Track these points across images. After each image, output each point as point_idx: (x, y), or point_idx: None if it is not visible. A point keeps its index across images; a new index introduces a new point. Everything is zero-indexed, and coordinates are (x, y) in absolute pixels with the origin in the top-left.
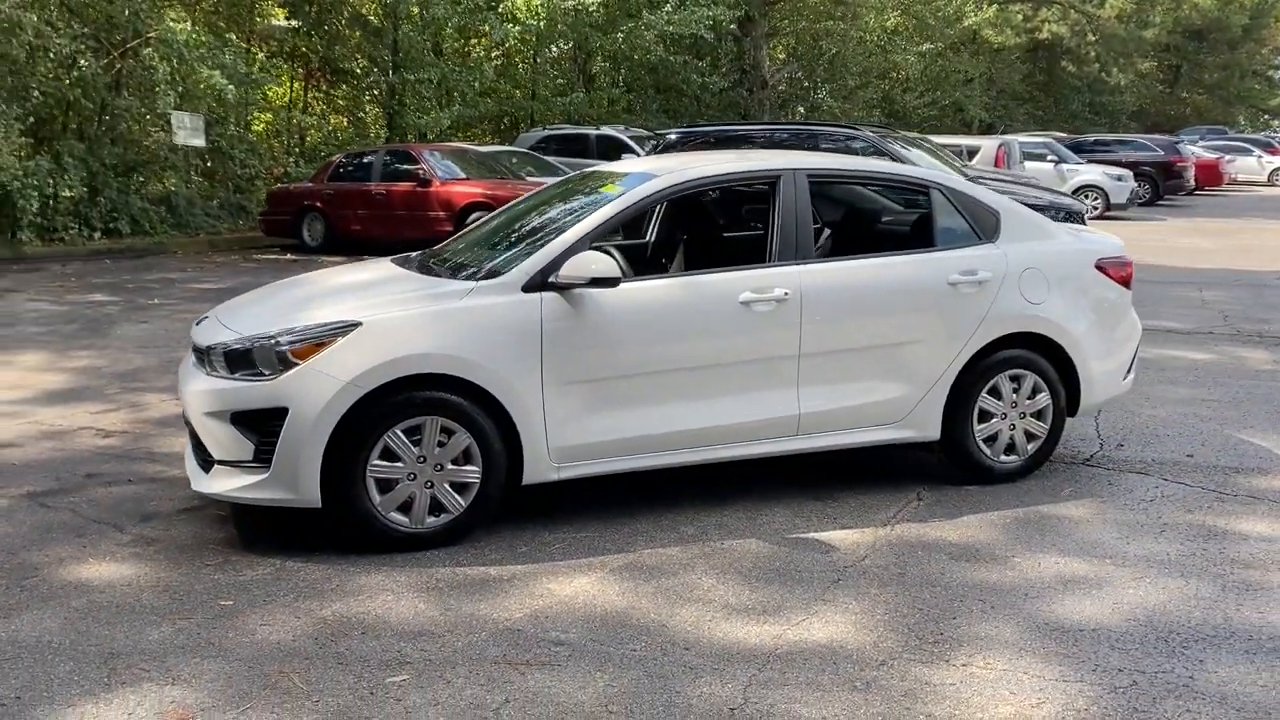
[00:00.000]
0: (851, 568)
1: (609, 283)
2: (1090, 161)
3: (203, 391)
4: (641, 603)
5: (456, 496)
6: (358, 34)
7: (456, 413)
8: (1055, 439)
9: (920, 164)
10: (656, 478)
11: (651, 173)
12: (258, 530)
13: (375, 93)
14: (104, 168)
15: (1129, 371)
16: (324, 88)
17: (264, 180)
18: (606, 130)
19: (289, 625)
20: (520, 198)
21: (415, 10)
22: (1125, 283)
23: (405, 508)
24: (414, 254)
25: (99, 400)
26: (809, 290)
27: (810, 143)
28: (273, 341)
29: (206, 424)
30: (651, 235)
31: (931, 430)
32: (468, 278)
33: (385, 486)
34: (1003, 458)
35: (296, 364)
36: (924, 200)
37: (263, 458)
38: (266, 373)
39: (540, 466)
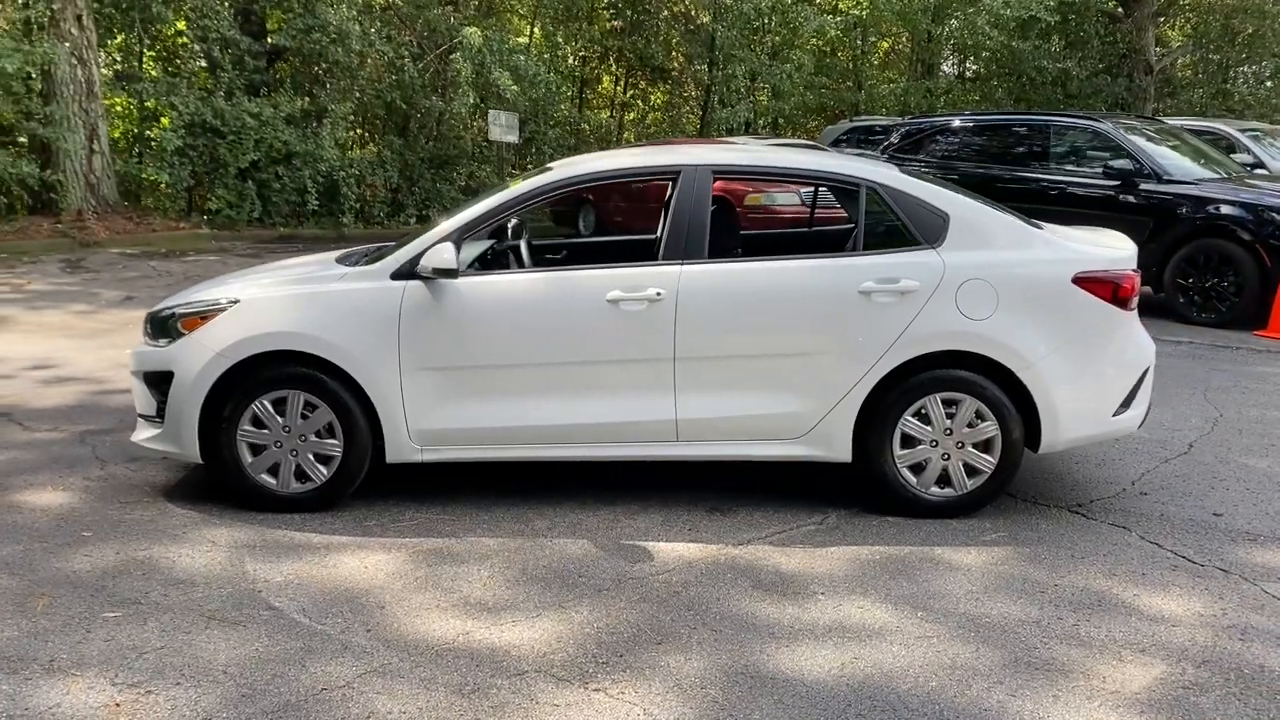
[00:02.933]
0: (637, 581)
1: (447, 274)
2: None
3: (132, 352)
4: (392, 585)
5: (320, 467)
6: (676, 33)
7: (319, 389)
8: (1006, 474)
9: (1165, 160)
10: (578, 468)
11: (549, 168)
12: (212, 485)
13: (690, 90)
14: (419, 161)
15: (1127, 405)
16: (642, 85)
17: None
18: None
19: (101, 559)
20: None
21: (730, 3)
22: (1119, 300)
23: (275, 471)
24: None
25: None
26: (686, 292)
27: (1040, 135)
28: (170, 312)
29: (132, 380)
30: (589, 232)
31: (839, 451)
32: (353, 265)
33: (256, 450)
34: (933, 490)
35: (184, 334)
36: (855, 200)
37: (161, 414)
38: (164, 340)
39: (402, 447)
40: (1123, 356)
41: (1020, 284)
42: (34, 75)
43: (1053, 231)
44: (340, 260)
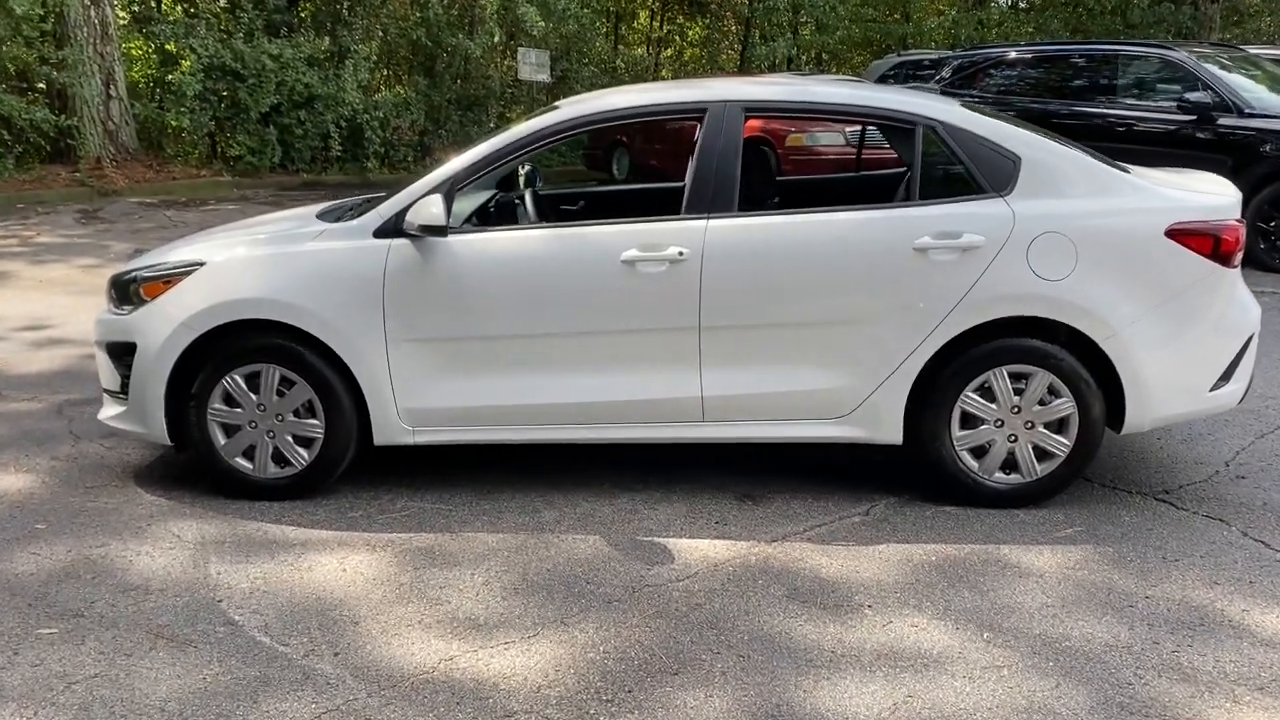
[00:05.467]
0: (653, 590)
1: (436, 231)
2: None
3: (95, 319)
4: (370, 595)
5: (300, 450)
6: None
7: (296, 363)
8: (1082, 459)
9: (1246, 91)
10: (595, 449)
11: (556, 106)
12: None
13: (729, 24)
14: (446, 102)
15: (1226, 378)
16: (679, 20)
17: None
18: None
19: (50, 558)
20: None
21: None
22: (1220, 256)
23: (250, 455)
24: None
25: None
26: (713, 251)
27: (1105, 66)
28: (131, 277)
29: (96, 351)
30: (623, 177)
31: (888, 431)
32: (335, 222)
33: (229, 431)
34: (997, 475)
35: (146, 301)
36: (910, 141)
37: (126, 389)
38: (127, 307)
39: (390, 428)
40: (1223, 321)
41: (1104, 237)
42: (46, 18)
43: (1141, 175)
44: (321, 216)
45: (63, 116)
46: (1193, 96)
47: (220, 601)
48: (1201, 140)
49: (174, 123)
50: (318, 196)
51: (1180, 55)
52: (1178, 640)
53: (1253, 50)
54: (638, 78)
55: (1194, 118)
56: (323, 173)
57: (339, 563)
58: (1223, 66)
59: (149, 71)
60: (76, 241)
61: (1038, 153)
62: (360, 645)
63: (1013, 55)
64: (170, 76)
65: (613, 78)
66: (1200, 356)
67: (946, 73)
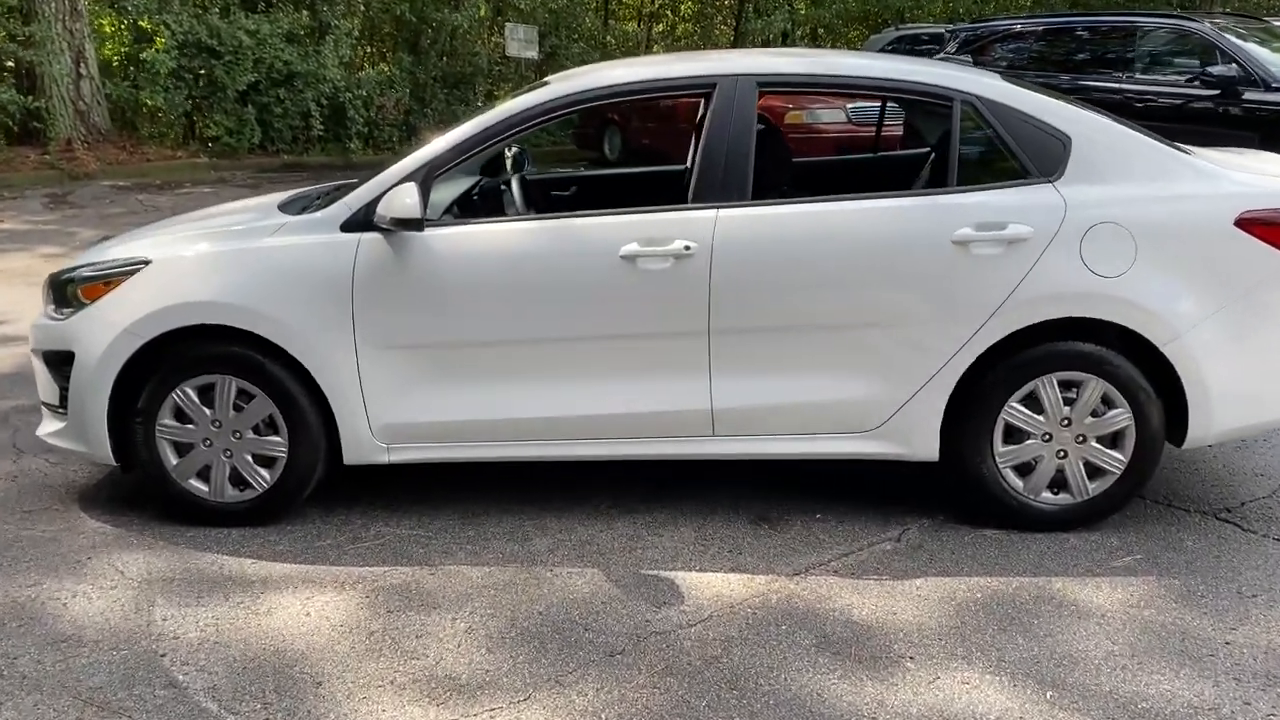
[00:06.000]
0: (660, 638)
1: (411, 224)
2: None
3: (31, 324)
4: (336, 646)
5: (261, 471)
6: None
7: (255, 374)
8: (1140, 476)
9: (1274, 65)
10: (589, 465)
11: (545, 82)
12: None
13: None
14: (432, 80)
15: None
16: None
17: None
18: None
19: None
20: None
21: None
22: None
23: (206, 476)
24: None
25: None
26: (726, 244)
27: (1121, 38)
28: (69, 277)
29: (33, 359)
30: (614, 156)
31: (922, 447)
32: (299, 214)
33: (181, 450)
34: (1044, 495)
35: (85, 304)
36: (947, 119)
37: (66, 404)
38: (65, 311)
39: (363, 445)
40: None
41: (1166, 228)
42: None
43: (1204, 157)
44: (284, 207)
45: (31, 97)
46: (1216, 70)
47: (163, 656)
48: (1226, 115)
49: (148, 102)
50: (298, 179)
51: (1201, 26)
52: (1271, 700)
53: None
54: (629, 54)
55: (1218, 92)
56: (304, 153)
57: (302, 605)
58: (1242, 38)
59: (121, 49)
60: (41, 228)
61: (1090, 132)
62: (322, 713)
63: (1021, 27)
64: (143, 54)
65: (603, 54)
66: (1272, 362)
67: (953, 47)
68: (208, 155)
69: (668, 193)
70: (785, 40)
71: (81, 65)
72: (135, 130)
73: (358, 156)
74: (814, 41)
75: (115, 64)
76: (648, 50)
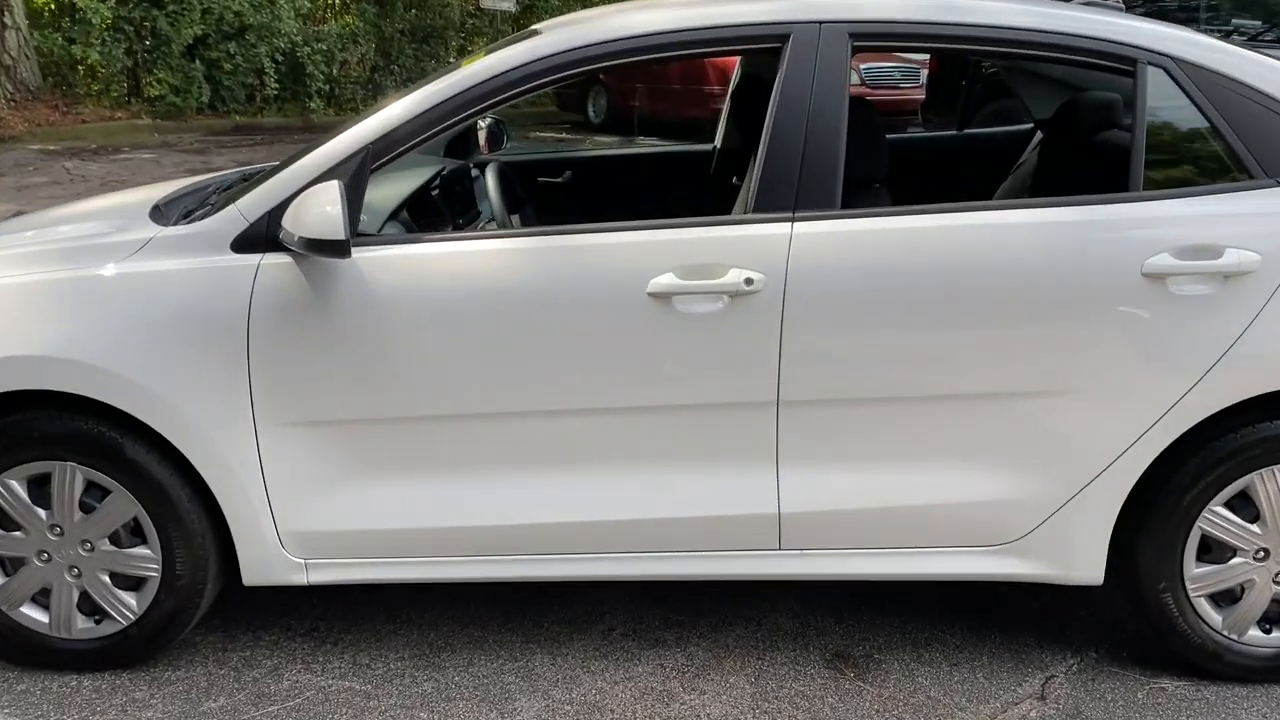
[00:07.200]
0: None
1: (331, 248)
2: None
3: None
4: None
5: (124, 596)
6: None
7: (109, 459)
8: None
9: None
10: None
11: (535, 31)
12: None
13: None
14: (399, 34)
15: None
16: None
17: None
18: None
19: None
20: None
21: None
22: None
23: (46, 601)
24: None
25: None
26: (806, 276)
27: None
28: None
29: None
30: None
31: (1082, 565)
32: (178, 222)
33: (8, 566)
34: (1252, 635)
35: None
36: (1128, 90)
37: None
38: None
39: (269, 561)
40: None
41: None
42: None
43: None
44: (161, 210)
45: None
46: None
47: None
48: None
49: (82, 56)
50: (252, 143)
51: None
52: None
53: None
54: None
55: None
56: (259, 114)
57: None
58: None
59: None
60: None
61: None
62: None
63: None
64: (78, 2)
65: (585, 3)
66: None
67: None
68: (151, 116)
69: (692, 179)
70: None
71: (6, 15)
72: (70, 88)
73: (319, 117)
74: None
75: (46, 13)
76: None
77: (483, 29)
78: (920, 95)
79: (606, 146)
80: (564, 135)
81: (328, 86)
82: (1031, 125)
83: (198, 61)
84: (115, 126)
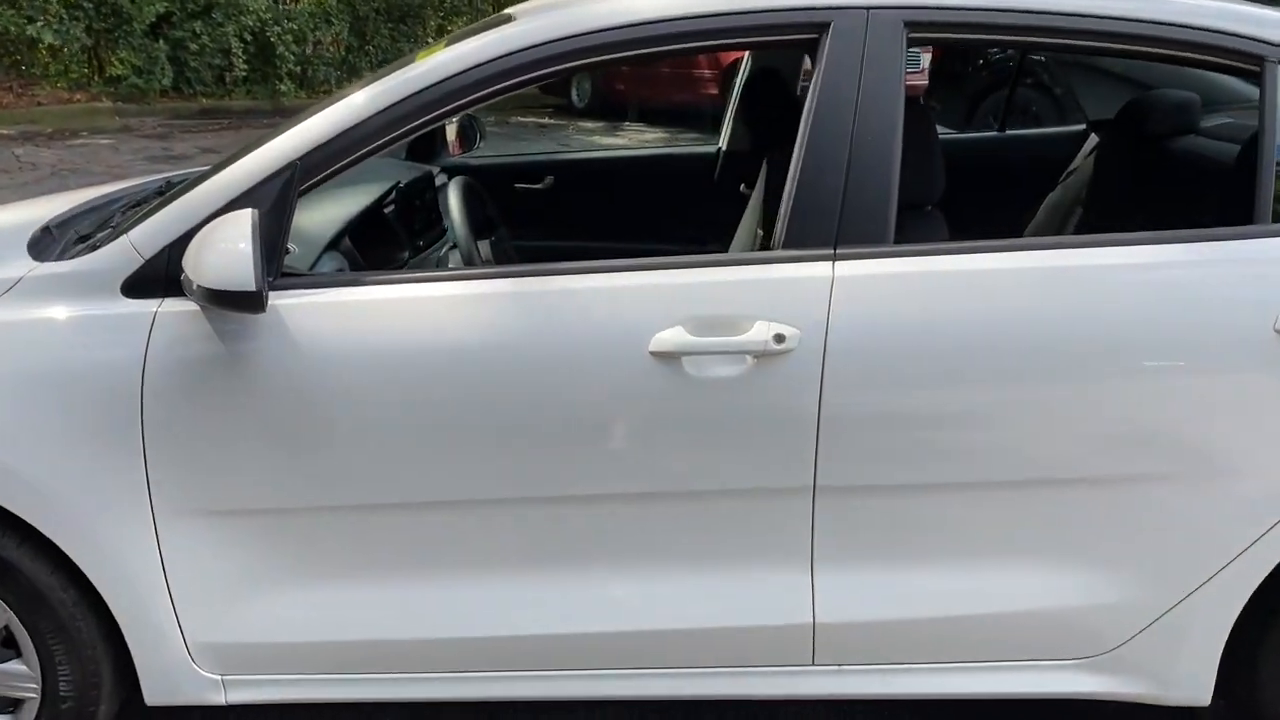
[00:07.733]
0: None
1: (238, 301)
2: None
3: None
4: None
5: None
6: None
7: None
8: None
9: None
10: None
11: (508, 15)
12: None
13: None
14: (374, 12)
15: None
16: None
17: None
18: None
19: None
20: None
21: None
22: None
23: None
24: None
25: None
26: (850, 331)
27: None
28: None
29: None
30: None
31: (1185, 683)
32: (64, 254)
33: None
34: None
35: None
36: (1256, 90)
37: None
38: None
39: (175, 675)
40: None
41: None
42: None
43: None
44: (41, 240)
45: None
46: None
47: None
48: None
49: (35, 35)
50: (219, 127)
51: None
52: None
53: None
54: None
55: None
56: (225, 97)
57: None
58: None
59: None
60: None
61: None
62: None
63: None
64: None
65: None
66: None
67: None
68: (112, 98)
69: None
70: None
71: None
72: (26, 69)
73: (289, 99)
74: None
75: None
76: None
77: (462, 8)
78: (923, 82)
79: (592, 133)
80: (546, 121)
81: (299, 68)
82: (1084, 126)
83: (161, 41)
84: (74, 109)
